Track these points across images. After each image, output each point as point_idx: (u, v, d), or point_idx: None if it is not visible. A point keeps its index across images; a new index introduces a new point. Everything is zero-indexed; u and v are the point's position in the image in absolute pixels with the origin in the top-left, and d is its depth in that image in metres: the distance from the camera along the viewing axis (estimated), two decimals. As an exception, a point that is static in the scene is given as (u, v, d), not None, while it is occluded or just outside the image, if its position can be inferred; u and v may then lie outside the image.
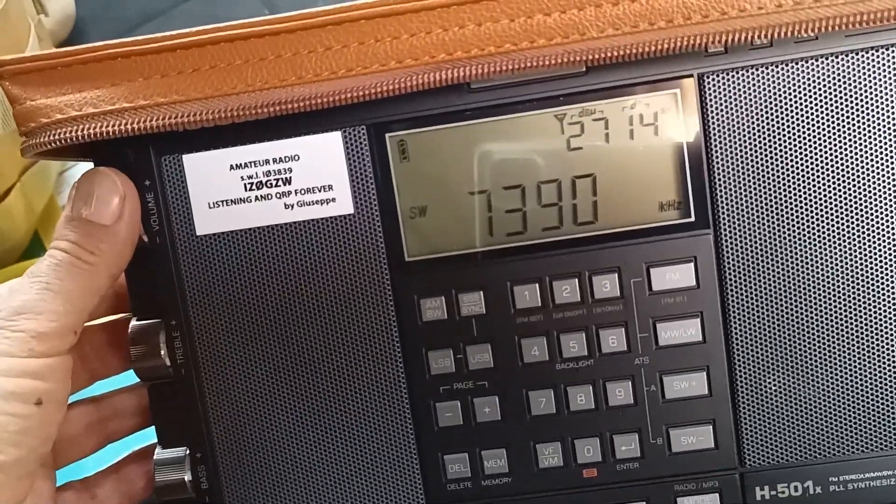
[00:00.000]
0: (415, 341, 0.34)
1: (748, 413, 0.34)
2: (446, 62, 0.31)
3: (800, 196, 0.32)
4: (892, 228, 0.32)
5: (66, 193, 0.60)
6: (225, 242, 0.34)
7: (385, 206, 0.34)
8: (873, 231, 0.32)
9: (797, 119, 0.32)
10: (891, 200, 0.32)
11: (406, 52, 0.31)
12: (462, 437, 0.35)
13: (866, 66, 0.32)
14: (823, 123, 0.32)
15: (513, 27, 0.31)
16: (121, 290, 0.36)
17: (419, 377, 0.34)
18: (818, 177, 0.32)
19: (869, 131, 0.32)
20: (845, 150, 0.32)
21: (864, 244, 0.32)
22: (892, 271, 0.33)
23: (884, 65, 0.32)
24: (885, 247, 0.32)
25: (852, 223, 0.32)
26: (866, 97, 0.32)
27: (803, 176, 0.32)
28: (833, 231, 0.32)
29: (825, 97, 0.32)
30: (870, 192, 0.32)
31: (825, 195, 0.32)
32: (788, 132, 0.32)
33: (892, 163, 0.32)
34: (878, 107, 0.32)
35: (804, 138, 0.32)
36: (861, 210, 0.32)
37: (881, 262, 0.33)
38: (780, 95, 0.32)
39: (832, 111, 0.32)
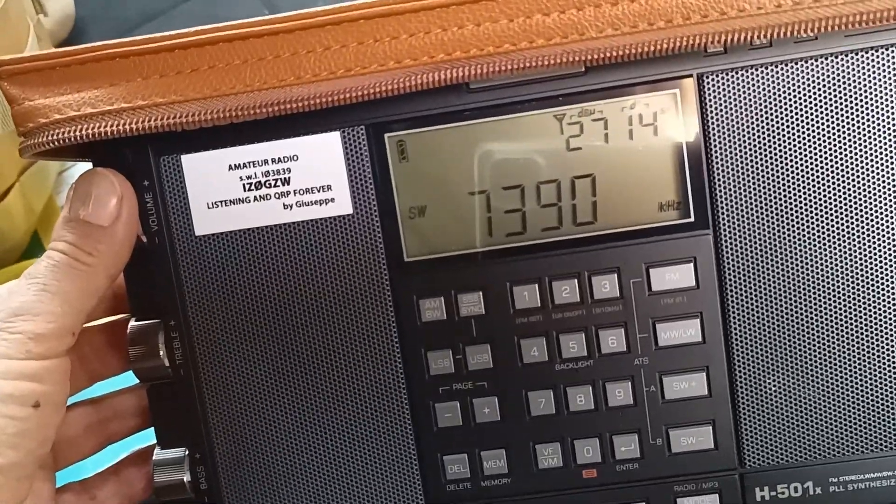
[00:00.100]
0: (414, 342, 0.34)
1: (748, 413, 0.34)
2: (445, 62, 0.31)
3: (799, 196, 0.32)
4: (892, 228, 0.32)
5: (65, 193, 0.60)
6: (224, 243, 0.34)
7: (384, 206, 0.33)
8: (873, 231, 0.32)
9: (797, 119, 0.32)
10: (890, 200, 0.32)
11: (405, 52, 0.31)
12: (461, 437, 0.35)
13: (866, 66, 0.32)
14: (823, 123, 0.32)
15: (512, 27, 0.31)
16: (120, 292, 0.36)
17: (418, 378, 0.34)
18: (818, 177, 0.32)
19: (868, 131, 0.32)
20: (845, 150, 0.32)
21: (864, 244, 0.32)
22: (891, 272, 0.32)
23: (883, 65, 0.31)
24: (884, 247, 0.32)
25: (852, 223, 0.32)
26: (866, 97, 0.32)
27: (803, 176, 0.32)
28: (833, 231, 0.32)
29: (825, 97, 0.32)
30: (869, 192, 0.32)
31: (825, 195, 0.32)
32: (788, 132, 0.32)
33: (892, 163, 0.32)
34: (877, 107, 0.32)
35: (804, 138, 0.32)
36: (860, 210, 0.32)
37: (881, 262, 0.32)
38: (779, 95, 0.32)
39: (832, 111, 0.32)
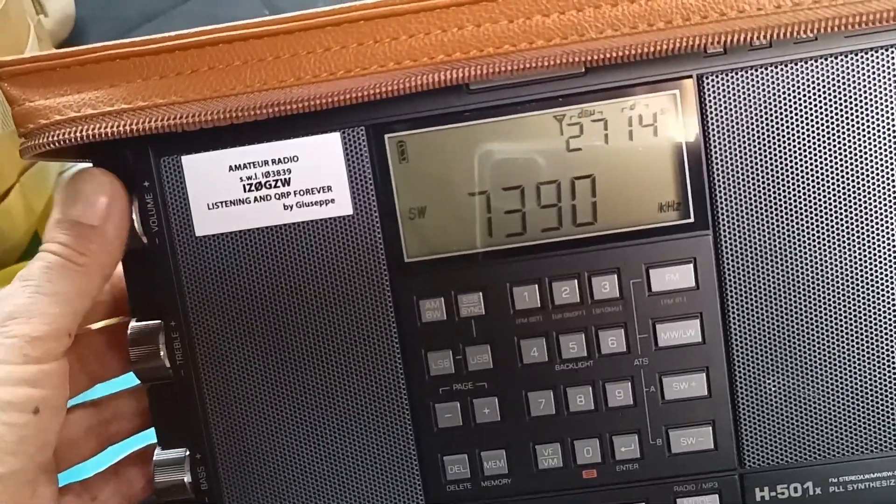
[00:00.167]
0: (414, 342, 0.34)
1: (748, 414, 0.34)
2: (445, 63, 0.31)
3: (799, 197, 0.32)
4: (891, 229, 0.32)
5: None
6: (224, 243, 0.34)
7: (384, 207, 0.33)
8: (872, 231, 0.32)
9: (796, 120, 0.32)
10: (890, 201, 0.32)
11: (405, 53, 0.31)
12: (461, 437, 0.35)
13: (866, 67, 0.32)
14: (823, 124, 0.32)
15: (511, 28, 0.31)
16: (120, 295, 0.36)
17: (419, 378, 0.34)
18: (817, 177, 0.32)
19: (868, 132, 0.32)
20: (844, 150, 0.32)
21: (863, 244, 0.32)
22: (891, 272, 0.32)
23: (883, 65, 0.31)
24: (884, 247, 0.32)
25: (851, 223, 0.32)
26: (866, 98, 0.32)
27: (803, 177, 0.32)
28: (832, 231, 0.32)
29: (824, 98, 0.32)
30: (869, 192, 0.32)
31: (824, 196, 0.32)
32: (788, 133, 0.32)
33: (892, 164, 0.32)
34: (877, 107, 0.32)
35: (803, 139, 0.32)
36: (860, 210, 0.32)
37: (881, 263, 0.33)
38: (779, 96, 0.32)
39: (832, 112, 0.32)
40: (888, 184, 0.32)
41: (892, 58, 0.31)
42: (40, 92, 0.32)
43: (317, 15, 0.31)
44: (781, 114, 0.32)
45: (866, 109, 0.32)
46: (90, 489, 0.36)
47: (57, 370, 0.31)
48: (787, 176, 0.32)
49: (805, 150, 0.32)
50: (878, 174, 0.32)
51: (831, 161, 0.32)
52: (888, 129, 0.32)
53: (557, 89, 0.33)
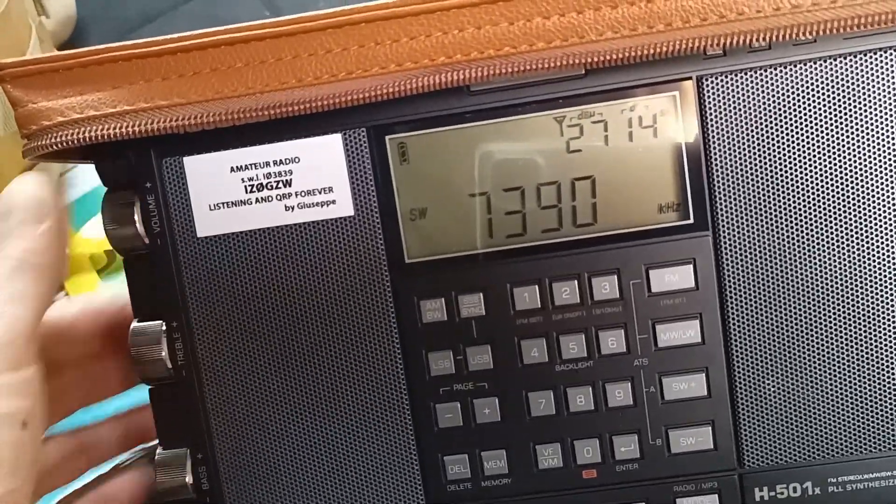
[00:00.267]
0: (415, 343, 0.34)
1: (747, 414, 0.34)
2: (446, 65, 0.31)
3: (799, 198, 0.32)
4: (890, 230, 0.32)
5: (67, 194, 0.60)
6: (226, 244, 0.34)
7: (385, 208, 0.34)
8: (871, 231, 0.32)
9: (796, 121, 0.32)
10: (890, 203, 0.32)
11: (406, 55, 0.31)
12: (462, 438, 0.35)
13: (865, 69, 0.32)
14: (822, 126, 0.32)
15: (512, 30, 0.31)
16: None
17: (419, 378, 0.34)
18: (817, 179, 0.32)
19: (868, 134, 0.32)
20: (844, 152, 0.32)
21: (863, 245, 0.33)
22: (890, 274, 0.33)
23: (882, 67, 0.32)
24: (883, 248, 0.33)
25: (850, 224, 0.32)
26: (865, 99, 0.32)
27: (802, 178, 0.32)
28: (831, 232, 0.33)
29: (824, 99, 0.32)
30: (868, 194, 0.32)
31: (824, 197, 0.32)
32: (787, 134, 0.32)
33: (891, 165, 0.32)
34: (876, 109, 0.32)
35: (803, 140, 0.32)
36: (859, 211, 0.32)
37: (880, 264, 0.33)
38: (778, 98, 0.32)
39: (831, 113, 0.32)
40: (887, 185, 0.32)
41: (892, 60, 0.32)
42: (43, 94, 0.32)
43: (318, 17, 0.32)
44: (781, 115, 0.32)
45: (866, 111, 0.32)
46: None
47: (35, 377, 0.30)
48: (787, 177, 0.32)
49: (804, 152, 0.32)
50: (877, 176, 0.32)
51: (831, 162, 0.32)
52: (887, 131, 0.32)
53: (557, 91, 0.33)
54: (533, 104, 0.33)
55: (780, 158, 0.32)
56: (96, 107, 0.32)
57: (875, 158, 0.32)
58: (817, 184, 0.32)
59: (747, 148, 0.32)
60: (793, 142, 0.32)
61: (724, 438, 0.34)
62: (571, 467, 0.35)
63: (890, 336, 0.33)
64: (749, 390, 0.34)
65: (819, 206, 0.32)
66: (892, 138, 0.32)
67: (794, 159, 0.32)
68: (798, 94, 0.32)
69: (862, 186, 0.32)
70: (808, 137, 0.32)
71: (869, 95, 0.32)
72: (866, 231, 0.32)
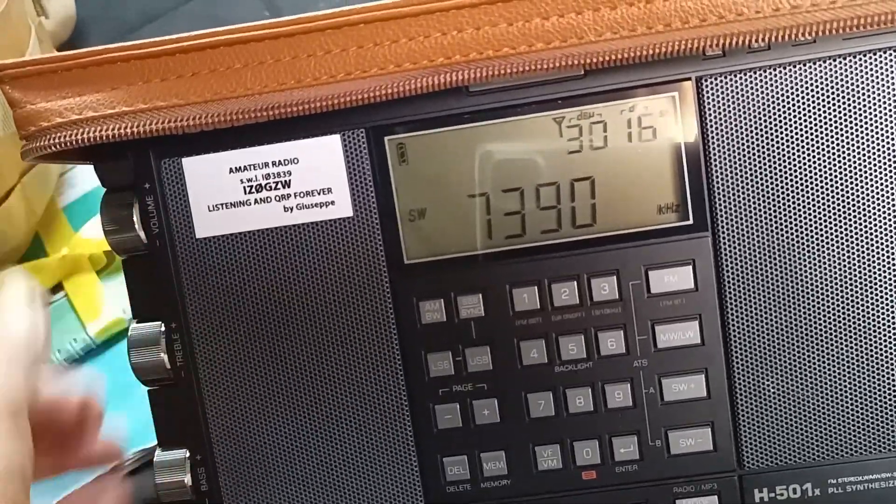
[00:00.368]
0: (414, 344, 0.34)
1: (747, 415, 0.34)
2: (445, 66, 0.31)
3: (798, 199, 0.32)
4: (890, 230, 0.32)
5: (67, 195, 0.60)
6: (224, 245, 0.34)
7: (384, 208, 0.34)
8: (870, 232, 0.32)
9: (795, 122, 0.32)
10: (889, 203, 0.32)
11: (405, 55, 0.31)
12: (461, 439, 0.35)
13: (864, 69, 0.32)
14: (821, 126, 0.32)
15: (511, 31, 0.31)
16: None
17: (418, 379, 0.34)
18: (816, 180, 0.32)
19: (867, 134, 0.32)
20: (843, 152, 0.32)
21: (862, 245, 0.33)
22: (890, 274, 0.33)
23: (881, 68, 0.32)
24: (882, 248, 0.32)
25: (850, 225, 0.32)
26: (864, 100, 0.32)
27: (801, 179, 0.32)
28: (831, 233, 0.33)
29: (823, 100, 0.32)
30: (867, 194, 0.32)
31: (823, 198, 0.32)
32: (786, 135, 0.32)
33: (890, 166, 0.32)
34: (875, 109, 0.32)
35: (802, 141, 0.32)
36: (858, 212, 0.32)
37: (879, 264, 0.33)
38: (778, 98, 0.32)
39: (830, 114, 0.32)
40: (887, 186, 0.32)
41: (891, 60, 0.31)
42: (41, 95, 0.32)
43: (317, 18, 0.31)
44: (780, 116, 0.32)
45: (865, 111, 0.32)
46: None
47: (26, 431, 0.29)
48: (786, 178, 0.32)
49: (804, 152, 0.32)
50: (877, 176, 0.32)
51: (830, 163, 0.32)
52: (886, 131, 0.32)
53: (557, 91, 0.33)
54: (532, 105, 0.33)
55: (779, 159, 0.32)
56: (95, 108, 0.32)
57: (875, 159, 0.32)
58: (817, 184, 0.32)
59: (747, 148, 0.32)
60: (792, 142, 0.32)
61: (724, 439, 0.34)
62: (571, 468, 0.35)
63: (890, 336, 0.33)
64: (748, 391, 0.33)
65: (819, 207, 0.32)
66: (892, 139, 0.32)
67: (794, 160, 0.32)
68: (797, 95, 0.32)
69: (862, 187, 0.32)
70: (807, 138, 0.32)
71: (868, 96, 0.32)
72: (866, 232, 0.32)
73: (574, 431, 0.34)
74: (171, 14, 0.71)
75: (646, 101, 0.33)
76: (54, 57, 0.33)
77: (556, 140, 0.33)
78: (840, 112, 0.32)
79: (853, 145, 0.32)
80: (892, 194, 0.32)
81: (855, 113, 0.32)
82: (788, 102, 0.32)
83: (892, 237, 0.32)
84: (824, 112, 0.32)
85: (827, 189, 0.32)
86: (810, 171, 0.32)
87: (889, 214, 0.32)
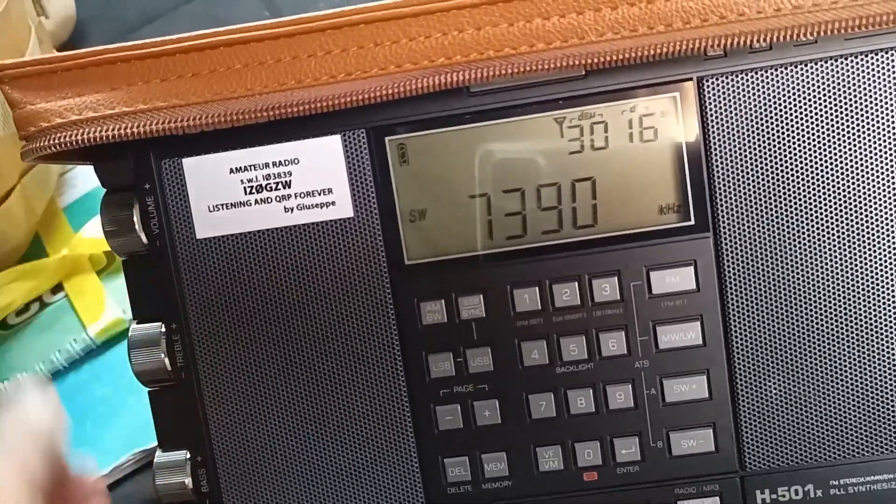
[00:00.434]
0: (415, 345, 0.34)
1: (748, 416, 0.34)
2: (445, 66, 0.31)
3: (799, 199, 0.32)
4: (891, 231, 0.32)
5: (67, 195, 0.60)
6: (225, 246, 0.34)
7: (385, 209, 0.34)
8: (872, 232, 0.32)
9: (797, 122, 0.32)
10: (891, 203, 0.32)
11: (405, 56, 0.31)
12: (462, 440, 0.35)
13: (866, 70, 0.32)
14: (823, 126, 0.32)
15: (512, 31, 0.31)
16: None
17: (419, 380, 0.34)
18: (817, 180, 0.32)
19: (868, 134, 0.32)
20: (845, 153, 0.32)
21: (864, 246, 0.32)
22: (892, 275, 0.32)
23: (883, 68, 0.31)
24: (884, 250, 0.32)
25: (851, 226, 0.32)
26: (866, 100, 0.32)
27: (803, 179, 0.32)
28: (832, 233, 0.32)
29: (825, 100, 0.32)
30: (869, 195, 0.32)
31: (824, 198, 0.32)
32: (788, 135, 0.32)
33: (892, 166, 0.32)
34: (877, 110, 0.32)
35: (804, 141, 0.32)
36: (860, 213, 0.32)
37: (881, 265, 0.32)
38: (779, 98, 0.32)
39: (832, 114, 0.32)
40: (889, 185, 0.32)
41: (893, 60, 0.31)
42: (41, 95, 0.32)
43: (317, 18, 0.31)
44: (782, 116, 0.32)
45: (866, 112, 0.32)
46: None
47: None
48: (788, 178, 0.32)
49: (805, 153, 0.32)
50: (878, 176, 0.32)
51: (832, 163, 0.32)
52: (888, 131, 0.32)
53: (558, 92, 0.33)
54: (533, 105, 0.33)
55: (781, 159, 0.32)
56: (95, 108, 0.32)
57: (877, 160, 0.32)
58: (819, 185, 0.32)
59: (748, 149, 0.32)
60: (794, 143, 0.32)
61: (726, 441, 0.34)
62: (572, 470, 0.34)
63: (892, 337, 0.33)
64: (750, 392, 0.33)
65: (820, 207, 0.32)
66: (893, 138, 0.32)
67: (796, 160, 0.32)
68: (799, 95, 0.32)
69: (864, 187, 0.32)
70: (809, 138, 0.32)
71: (870, 96, 0.32)
72: (868, 232, 0.32)
73: (575, 432, 0.34)
74: (171, 14, 0.71)
75: (647, 101, 0.32)
76: (54, 57, 0.32)
77: (557, 140, 0.33)
78: (842, 112, 0.32)
79: (855, 146, 0.32)
80: (894, 193, 0.32)
81: (857, 113, 0.32)
82: (790, 103, 0.32)
83: (894, 236, 0.32)
84: (826, 112, 0.32)
85: (829, 189, 0.32)
86: (812, 172, 0.32)
87: (891, 214, 0.32)
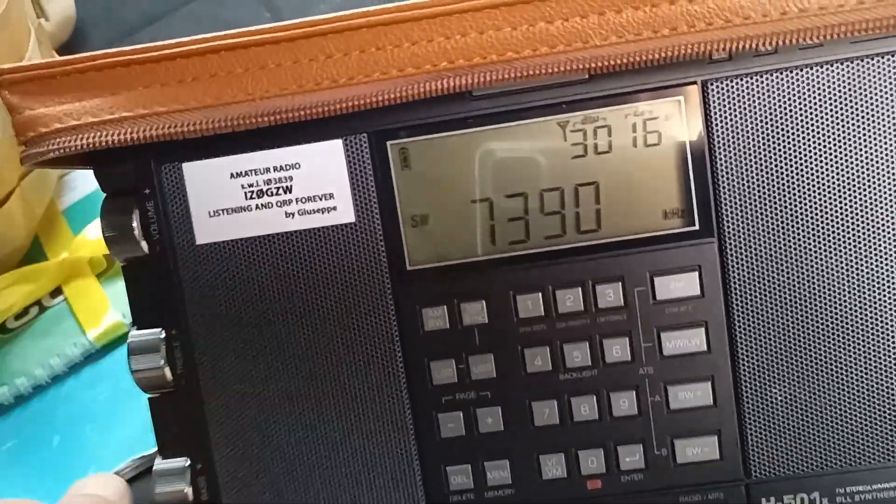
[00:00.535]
0: (416, 351, 0.34)
1: (754, 423, 0.33)
2: (448, 70, 0.31)
3: (805, 204, 0.32)
4: (899, 236, 0.32)
5: (67, 197, 0.59)
6: (225, 251, 0.34)
7: (386, 214, 0.33)
8: (878, 238, 0.32)
9: (802, 126, 0.32)
10: (897, 208, 0.32)
11: (407, 60, 0.31)
12: (464, 447, 0.34)
13: (872, 73, 0.31)
14: (828, 130, 0.32)
15: (515, 35, 0.31)
16: None
17: (421, 387, 0.34)
18: (824, 184, 0.32)
19: (875, 138, 0.32)
20: (851, 157, 0.32)
21: (870, 251, 0.32)
22: (898, 280, 0.32)
23: (890, 71, 0.31)
24: (891, 256, 0.32)
25: (858, 231, 0.32)
26: (872, 104, 0.31)
27: (809, 183, 0.32)
28: (838, 238, 0.32)
29: (830, 104, 0.32)
30: (876, 199, 0.32)
31: (831, 203, 0.32)
32: (793, 139, 0.32)
33: (899, 170, 0.32)
34: (883, 113, 0.31)
35: (809, 145, 0.32)
36: (867, 218, 0.32)
37: (888, 271, 0.32)
38: (784, 102, 0.32)
39: (837, 118, 0.32)
40: (895, 190, 0.32)
41: (899, 64, 0.31)
42: (40, 100, 0.32)
43: (319, 22, 0.31)
44: (787, 120, 0.32)
45: (872, 115, 0.32)
46: None
47: None
48: (793, 183, 0.32)
49: (811, 157, 0.32)
50: (884, 180, 0.32)
51: (837, 167, 0.32)
52: (894, 135, 0.32)
53: (561, 96, 0.32)
54: (536, 109, 0.32)
55: (786, 164, 0.32)
56: (94, 113, 0.32)
57: (882, 163, 0.32)
58: (824, 189, 0.32)
59: (753, 153, 0.32)
60: (799, 147, 0.32)
61: (731, 448, 0.34)
62: (576, 477, 0.34)
63: (898, 344, 0.33)
64: (756, 399, 0.33)
65: (826, 213, 0.32)
66: (901, 144, 0.32)
67: (801, 165, 0.32)
68: (804, 99, 0.32)
69: (870, 192, 0.32)
70: (814, 142, 0.32)
71: (877, 100, 0.31)
72: (875, 238, 0.32)
73: (579, 440, 0.34)
74: (172, 15, 0.71)
75: (651, 105, 0.32)
76: (53, 62, 0.32)
77: (561, 144, 0.33)
78: (848, 116, 0.32)
79: (861, 150, 0.32)
80: None
81: (863, 117, 0.32)
82: (795, 106, 0.32)
83: (900, 243, 0.32)
84: (832, 116, 0.32)
85: (835, 194, 0.32)
86: (818, 176, 0.32)
87: (898, 220, 0.32)
